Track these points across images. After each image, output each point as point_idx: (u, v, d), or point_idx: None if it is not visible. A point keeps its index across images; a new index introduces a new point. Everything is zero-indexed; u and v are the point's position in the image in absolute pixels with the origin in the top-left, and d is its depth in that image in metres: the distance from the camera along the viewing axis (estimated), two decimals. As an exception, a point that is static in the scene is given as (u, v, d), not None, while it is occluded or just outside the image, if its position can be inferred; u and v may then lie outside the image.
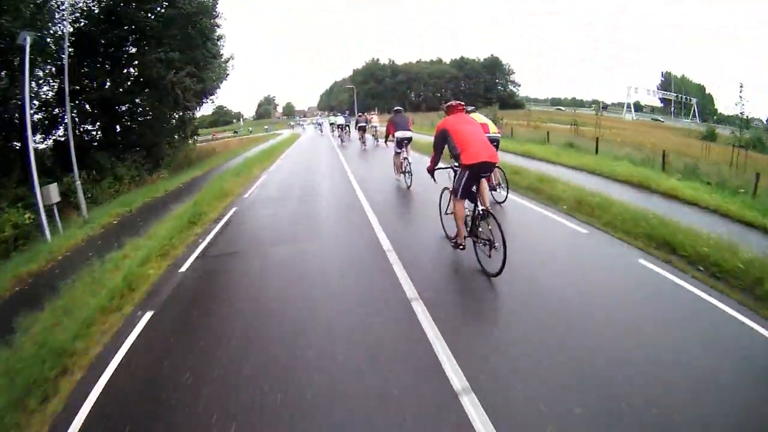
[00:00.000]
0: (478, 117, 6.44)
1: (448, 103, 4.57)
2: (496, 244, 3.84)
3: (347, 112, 33.93)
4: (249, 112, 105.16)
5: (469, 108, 6.51)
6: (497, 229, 3.82)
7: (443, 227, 5.25)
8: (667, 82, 75.38)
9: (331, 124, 31.21)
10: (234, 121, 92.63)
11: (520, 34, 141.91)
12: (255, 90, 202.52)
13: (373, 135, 19.33)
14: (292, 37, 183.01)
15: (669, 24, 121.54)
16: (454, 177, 4.47)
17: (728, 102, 60.31)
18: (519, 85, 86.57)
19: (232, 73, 24.96)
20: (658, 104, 71.50)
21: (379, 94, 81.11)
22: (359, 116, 21.62)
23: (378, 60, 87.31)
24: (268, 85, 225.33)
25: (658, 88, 74.72)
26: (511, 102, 75.57)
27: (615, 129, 24.70)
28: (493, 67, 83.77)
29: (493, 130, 6.57)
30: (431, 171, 4.76)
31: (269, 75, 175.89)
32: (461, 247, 4.44)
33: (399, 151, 8.91)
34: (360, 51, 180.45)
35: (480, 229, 4.15)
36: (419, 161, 9.43)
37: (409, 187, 8.24)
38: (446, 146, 4.33)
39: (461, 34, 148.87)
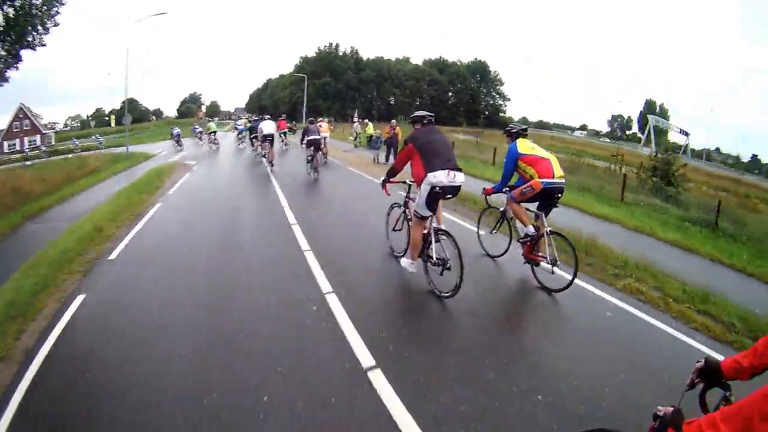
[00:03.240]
0: (537, 148, 5.03)
1: None
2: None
3: (269, 117, 20.59)
4: (171, 110, 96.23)
5: (521, 128, 5.23)
6: None
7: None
8: (650, 110, 77.68)
9: (244, 130, 25.31)
10: (153, 118, 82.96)
11: (504, 46, 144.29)
12: (179, 86, 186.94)
13: (322, 151, 14.99)
14: (224, 24, 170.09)
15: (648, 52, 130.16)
16: None
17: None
18: (509, 100, 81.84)
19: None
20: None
21: (336, 93, 72.33)
22: (310, 123, 14.39)
23: (337, 47, 76.29)
24: (195, 82, 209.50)
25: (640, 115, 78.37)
26: (497, 120, 71.95)
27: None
28: (480, 74, 79.31)
29: (559, 173, 4.81)
30: None
31: (196, 69, 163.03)
32: None
33: (427, 215, 4.58)
34: (305, 44, 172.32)
35: None
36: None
37: (445, 296, 4.42)
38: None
39: (433, 31, 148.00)
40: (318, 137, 12.95)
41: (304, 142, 12.88)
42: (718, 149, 65.57)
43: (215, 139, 24.77)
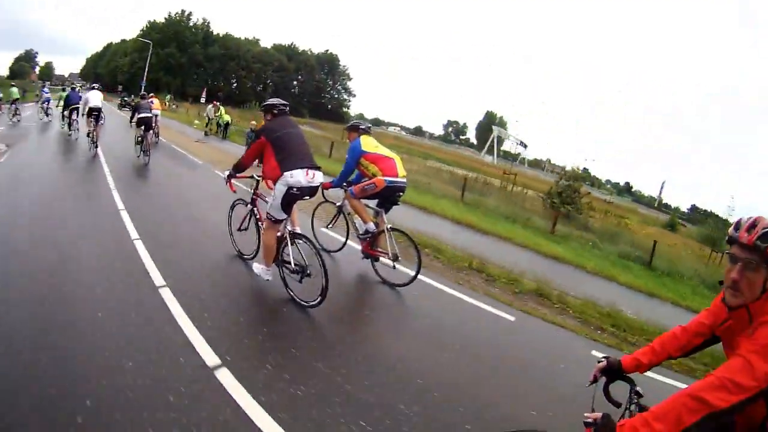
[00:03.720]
0: (380, 147, 5.25)
1: None
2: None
3: (96, 86, 15.38)
4: (2, 68, 79.78)
5: (367, 125, 5.49)
6: None
7: None
8: (491, 120, 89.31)
9: (50, 99, 20.87)
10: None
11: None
12: (15, 40, 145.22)
13: (154, 131, 13.47)
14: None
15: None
16: None
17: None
18: (354, 95, 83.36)
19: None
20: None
21: (179, 68, 65.46)
22: (141, 98, 13.96)
23: (189, 16, 69.04)
24: (32, 38, 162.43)
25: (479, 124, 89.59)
26: (340, 115, 72.77)
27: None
28: (329, 66, 79.48)
29: (402, 173, 5.15)
30: None
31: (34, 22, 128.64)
32: None
33: (281, 218, 4.18)
34: (156, 8, 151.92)
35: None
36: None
37: (311, 305, 4.03)
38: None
39: (290, 15, 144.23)
40: (150, 115, 11.73)
41: (134, 120, 11.47)
42: (549, 160, 77.61)
43: (17, 109, 19.29)
